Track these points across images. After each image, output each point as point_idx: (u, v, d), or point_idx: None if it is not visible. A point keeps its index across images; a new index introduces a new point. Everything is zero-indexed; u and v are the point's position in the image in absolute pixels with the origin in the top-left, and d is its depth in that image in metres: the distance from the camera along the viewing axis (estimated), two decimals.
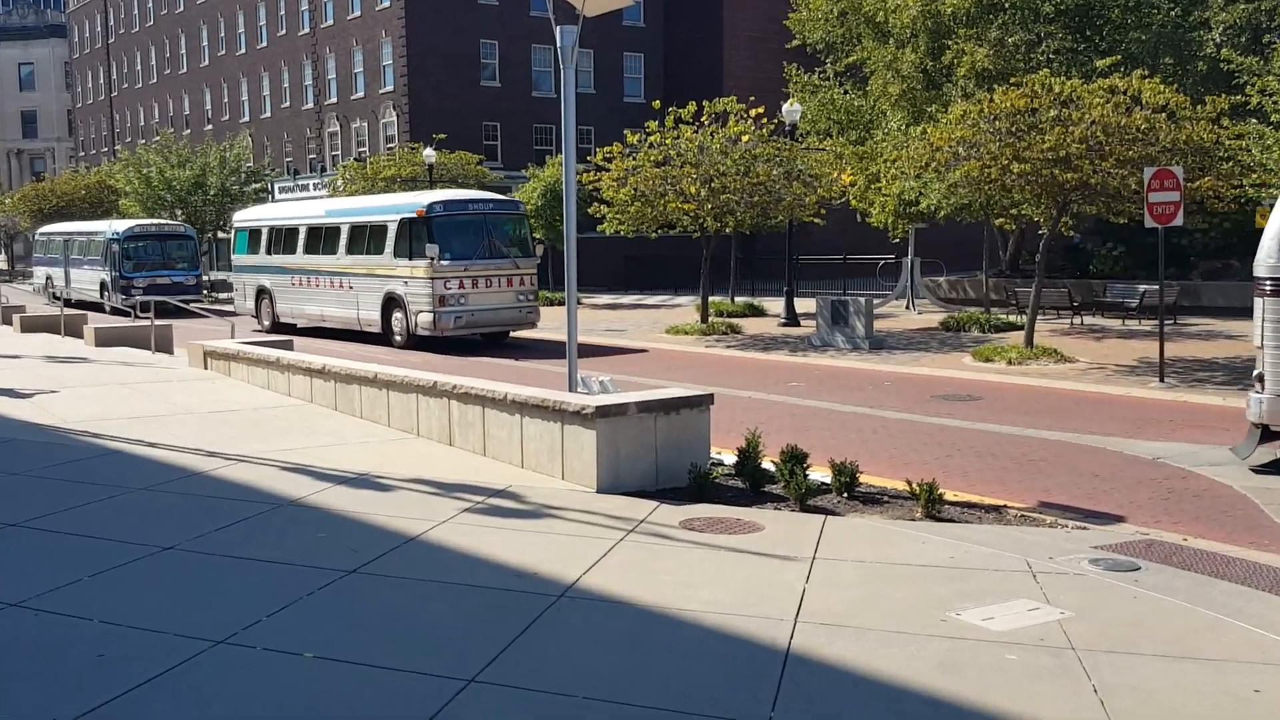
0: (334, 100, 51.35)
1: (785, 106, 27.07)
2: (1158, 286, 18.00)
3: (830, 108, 31.07)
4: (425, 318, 21.83)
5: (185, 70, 63.32)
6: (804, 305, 27.45)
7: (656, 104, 27.77)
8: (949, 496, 8.34)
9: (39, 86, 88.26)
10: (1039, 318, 20.82)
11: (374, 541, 7.19)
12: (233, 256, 29.78)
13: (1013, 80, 21.24)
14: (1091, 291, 27.03)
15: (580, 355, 10.34)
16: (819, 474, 8.70)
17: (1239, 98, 19.87)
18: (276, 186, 51.67)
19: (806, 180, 24.51)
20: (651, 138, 24.53)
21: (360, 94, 49.45)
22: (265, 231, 27.50)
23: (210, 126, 59.23)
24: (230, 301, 32.05)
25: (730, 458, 9.30)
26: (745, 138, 23.97)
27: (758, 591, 6.23)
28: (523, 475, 9.15)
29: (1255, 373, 9.98)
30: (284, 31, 54.27)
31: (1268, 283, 9.70)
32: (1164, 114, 17.92)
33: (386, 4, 47.09)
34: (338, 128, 51.29)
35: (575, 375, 9.82)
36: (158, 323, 19.71)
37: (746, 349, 22.06)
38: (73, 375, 15.88)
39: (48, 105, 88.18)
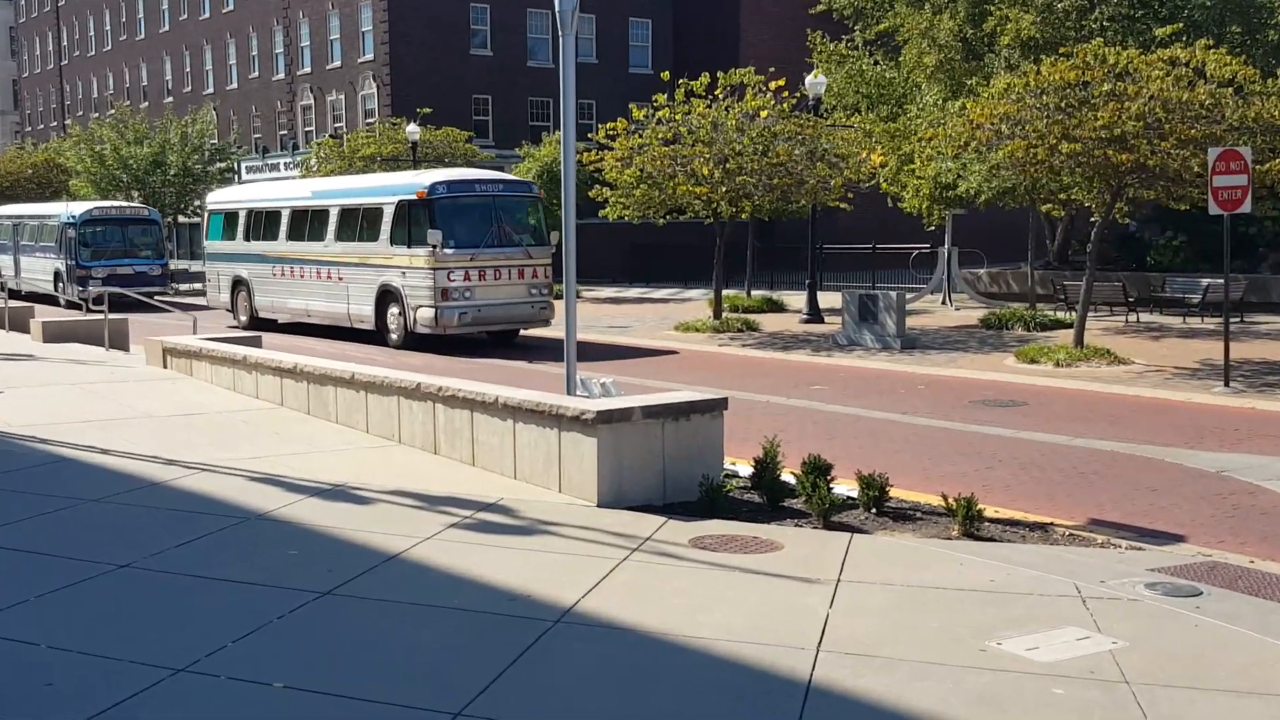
0: (308, 70, 51.42)
1: (808, 79, 27.04)
2: (1223, 280, 17.99)
3: (859, 80, 31.04)
4: (425, 313, 21.44)
5: (143, 36, 63.44)
6: (828, 300, 27.44)
7: (666, 76, 27.82)
8: (989, 513, 8.36)
9: None
10: (1090, 314, 20.81)
11: (351, 560, 7.22)
12: (205, 243, 29.65)
13: (1062, 50, 21.19)
14: (1149, 285, 26.99)
15: (580, 355, 10.35)
16: (844, 487, 8.72)
17: None
18: (244, 166, 51.78)
19: (832, 161, 24.50)
20: (660, 113, 24.50)
21: (337, 63, 49.51)
22: (243, 215, 27.37)
23: (170, 99, 59.34)
24: (194, 294, 32.05)
25: (746, 469, 9.32)
26: (764, 113, 23.95)
27: (776, 617, 6.24)
28: (515, 487, 9.17)
29: None
30: None
31: None
32: (1230, 88, 17.90)
33: None
34: (311, 101, 51.37)
35: (574, 377, 9.83)
36: (113, 316, 19.77)
37: (764, 348, 22.08)
38: (17, 374, 15.91)
39: None
